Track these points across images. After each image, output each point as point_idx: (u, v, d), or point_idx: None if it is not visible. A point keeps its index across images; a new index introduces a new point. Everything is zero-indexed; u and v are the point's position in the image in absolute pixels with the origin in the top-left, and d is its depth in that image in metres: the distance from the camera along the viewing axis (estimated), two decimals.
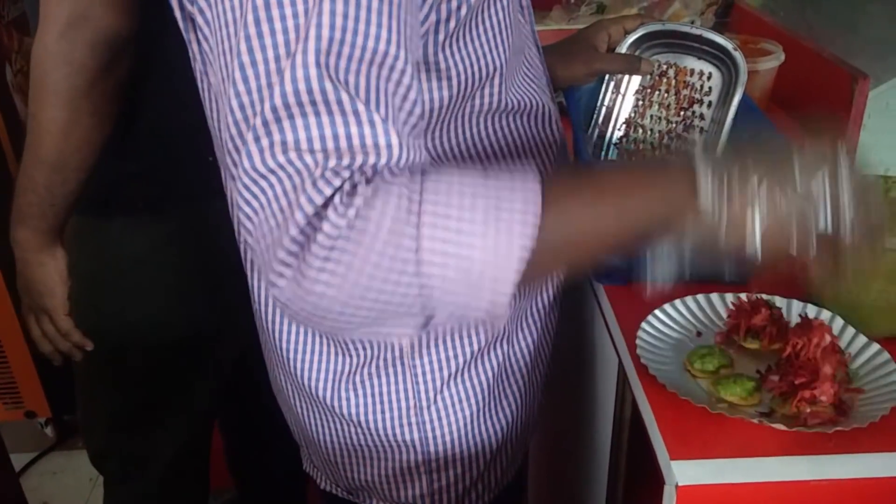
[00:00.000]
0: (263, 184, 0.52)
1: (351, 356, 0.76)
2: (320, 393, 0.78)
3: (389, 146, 0.52)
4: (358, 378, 0.76)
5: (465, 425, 0.79)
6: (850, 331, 0.77)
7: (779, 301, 0.82)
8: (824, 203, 0.56)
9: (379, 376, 0.76)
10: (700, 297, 0.84)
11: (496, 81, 0.69)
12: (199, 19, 0.57)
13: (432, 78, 0.65)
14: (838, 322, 0.78)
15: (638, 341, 0.77)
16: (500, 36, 0.68)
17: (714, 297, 0.84)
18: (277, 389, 0.87)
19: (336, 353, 0.76)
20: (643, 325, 0.80)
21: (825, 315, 0.78)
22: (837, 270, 0.59)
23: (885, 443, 0.66)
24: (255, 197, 0.52)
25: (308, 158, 0.51)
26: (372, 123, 0.52)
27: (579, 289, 1.02)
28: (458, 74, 0.66)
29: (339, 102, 0.51)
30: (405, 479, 0.81)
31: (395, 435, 0.78)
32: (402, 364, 0.76)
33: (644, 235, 0.59)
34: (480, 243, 0.52)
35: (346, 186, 0.51)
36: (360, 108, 0.51)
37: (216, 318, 1.11)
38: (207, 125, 0.73)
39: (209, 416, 1.26)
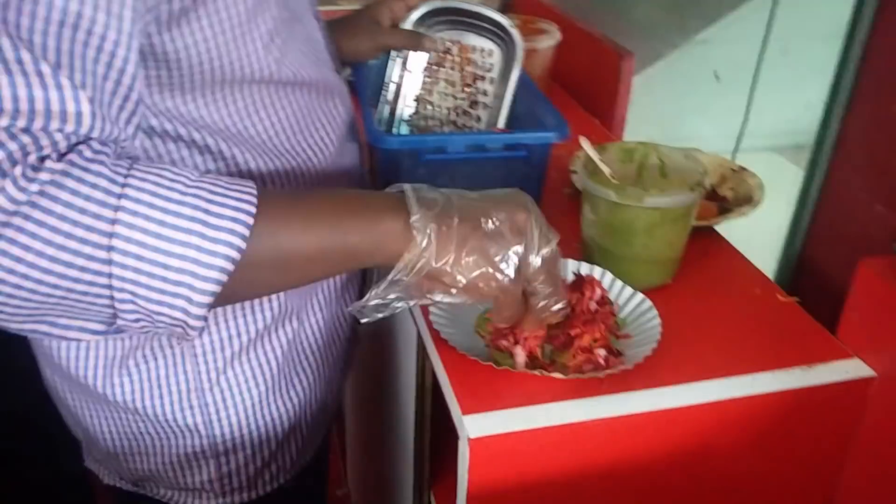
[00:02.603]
0: None
1: (122, 339, 0.71)
2: (90, 381, 0.73)
3: (79, 114, 0.48)
4: (132, 362, 0.72)
5: (253, 406, 0.77)
6: (619, 283, 0.84)
7: None
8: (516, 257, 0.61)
9: (155, 358, 0.72)
10: None
11: (260, 55, 0.66)
12: None
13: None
14: (608, 276, 0.84)
15: (432, 309, 0.80)
16: (241, 17, 0.63)
17: None
18: (48, 385, 0.81)
19: (105, 337, 0.70)
20: None
21: (597, 271, 0.85)
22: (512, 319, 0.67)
23: (649, 381, 0.73)
24: None
25: None
26: (59, 87, 0.47)
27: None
28: (184, 59, 0.61)
29: (20, 62, 0.46)
30: (191, 464, 0.78)
31: (175, 420, 0.75)
32: (180, 344, 0.72)
33: (355, 261, 0.59)
34: (182, 244, 0.50)
35: (32, 158, 0.47)
36: (45, 69, 0.47)
37: None
38: None
39: None
